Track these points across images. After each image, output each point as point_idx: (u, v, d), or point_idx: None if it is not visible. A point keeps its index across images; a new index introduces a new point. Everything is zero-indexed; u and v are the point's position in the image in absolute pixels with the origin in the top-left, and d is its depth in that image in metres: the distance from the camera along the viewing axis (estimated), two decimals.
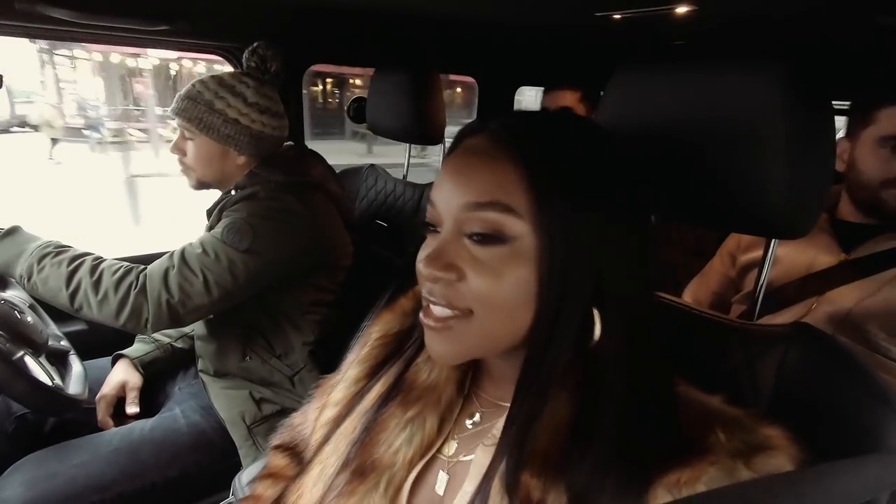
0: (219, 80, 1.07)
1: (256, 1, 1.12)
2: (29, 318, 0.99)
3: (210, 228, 1.08)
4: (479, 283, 0.42)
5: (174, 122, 1.08)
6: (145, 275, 0.95)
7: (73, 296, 0.93)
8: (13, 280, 1.09)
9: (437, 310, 0.45)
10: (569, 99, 1.68)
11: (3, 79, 1.14)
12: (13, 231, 0.98)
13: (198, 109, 1.04)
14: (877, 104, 0.94)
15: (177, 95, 1.07)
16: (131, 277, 0.95)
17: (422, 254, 0.47)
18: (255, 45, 1.11)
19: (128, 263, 0.97)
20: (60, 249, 0.96)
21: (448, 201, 0.45)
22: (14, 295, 1.04)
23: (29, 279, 0.94)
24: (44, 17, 1.05)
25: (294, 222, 1.03)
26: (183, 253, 0.98)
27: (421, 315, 0.47)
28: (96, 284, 0.93)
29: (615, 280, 0.43)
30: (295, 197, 1.04)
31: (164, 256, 0.99)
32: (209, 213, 1.14)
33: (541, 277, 0.42)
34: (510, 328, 0.43)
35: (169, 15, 1.17)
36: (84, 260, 0.95)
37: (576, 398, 0.43)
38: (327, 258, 1.11)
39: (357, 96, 1.68)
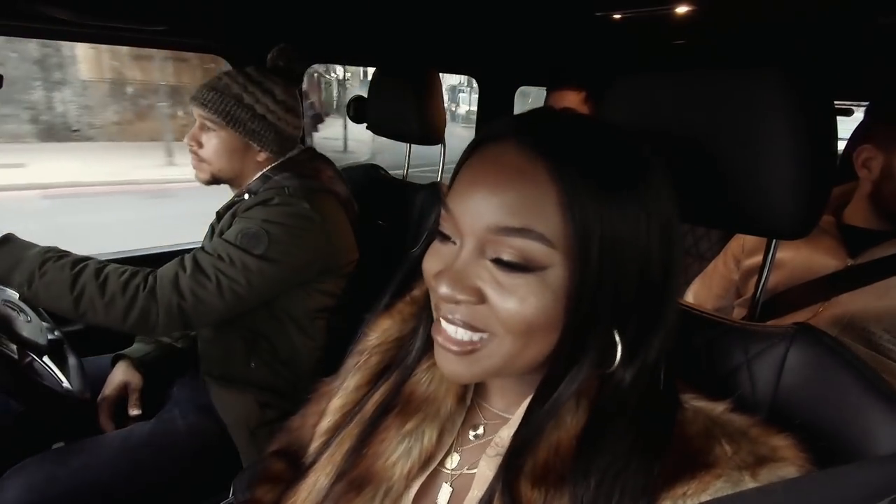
0: (246, 75, 1.07)
1: (256, 1, 1.12)
2: (28, 318, 0.99)
3: (220, 231, 1.07)
4: (503, 306, 0.40)
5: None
6: (155, 277, 0.94)
7: (77, 300, 0.90)
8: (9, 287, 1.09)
9: (459, 333, 0.42)
10: (572, 99, 1.64)
11: (3, 79, 1.13)
12: (7, 240, 0.94)
13: (225, 102, 1.04)
14: None
15: (200, 86, 1.07)
16: (138, 280, 0.93)
17: (432, 265, 0.44)
18: (282, 45, 1.12)
19: (133, 267, 0.96)
20: (61, 254, 0.94)
21: (472, 218, 0.40)
22: (5, 289, 1.03)
23: (30, 286, 0.91)
24: (44, 17, 1.04)
25: (308, 227, 1.02)
26: (195, 257, 0.97)
27: (434, 334, 0.45)
28: (102, 287, 0.91)
29: (643, 306, 0.41)
30: (308, 202, 1.04)
31: (174, 260, 0.97)
32: (220, 214, 1.13)
33: (568, 306, 0.40)
34: (532, 351, 0.42)
35: (168, 15, 1.16)
36: (87, 263, 0.93)
37: (586, 413, 0.42)
38: (337, 262, 1.11)
39: (357, 95, 1.68)
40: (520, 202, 0.39)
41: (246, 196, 1.08)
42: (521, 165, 0.40)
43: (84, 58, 9.26)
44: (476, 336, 0.42)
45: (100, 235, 3.91)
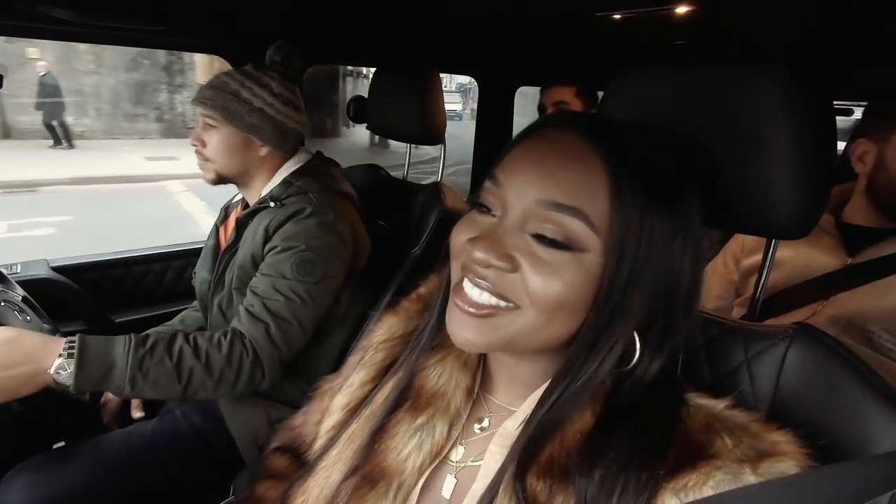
0: (243, 71, 1.08)
1: (256, 1, 1.12)
2: (28, 318, 0.99)
3: (253, 248, 1.04)
4: (535, 280, 0.41)
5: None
6: (249, 341, 0.96)
7: (187, 387, 0.91)
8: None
9: (484, 297, 0.43)
10: (564, 94, 1.70)
11: (3, 79, 1.13)
12: (83, 345, 0.86)
13: (223, 98, 1.04)
14: None
15: (201, 86, 1.08)
16: (238, 348, 0.95)
17: (465, 233, 0.45)
18: (278, 42, 1.13)
19: (219, 334, 0.95)
20: (151, 345, 0.89)
21: (522, 190, 0.42)
22: (5, 290, 1.03)
23: (133, 387, 0.87)
24: (43, 16, 1.04)
25: (341, 233, 1.05)
26: (266, 306, 0.97)
27: (453, 296, 0.45)
28: (208, 368, 0.92)
29: (667, 310, 0.42)
30: (334, 208, 1.05)
31: (247, 316, 0.98)
32: (240, 221, 1.10)
33: (597, 294, 0.41)
34: (550, 330, 0.42)
35: (168, 15, 1.16)
36: (181, 347, 0.91)
37: (596, 409, 0.43)
38: (357, 264, 1.11)
39: (357, 95, 1.68)
40: (573, 183, 0.41)
41: (271, 204, 1.06)
42: (580, 152, 0.41)
43: (200, 63, 10.09)
44: (498, 303, 0.42)
45: None
